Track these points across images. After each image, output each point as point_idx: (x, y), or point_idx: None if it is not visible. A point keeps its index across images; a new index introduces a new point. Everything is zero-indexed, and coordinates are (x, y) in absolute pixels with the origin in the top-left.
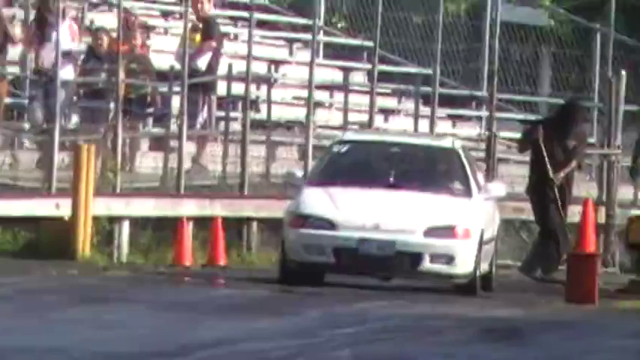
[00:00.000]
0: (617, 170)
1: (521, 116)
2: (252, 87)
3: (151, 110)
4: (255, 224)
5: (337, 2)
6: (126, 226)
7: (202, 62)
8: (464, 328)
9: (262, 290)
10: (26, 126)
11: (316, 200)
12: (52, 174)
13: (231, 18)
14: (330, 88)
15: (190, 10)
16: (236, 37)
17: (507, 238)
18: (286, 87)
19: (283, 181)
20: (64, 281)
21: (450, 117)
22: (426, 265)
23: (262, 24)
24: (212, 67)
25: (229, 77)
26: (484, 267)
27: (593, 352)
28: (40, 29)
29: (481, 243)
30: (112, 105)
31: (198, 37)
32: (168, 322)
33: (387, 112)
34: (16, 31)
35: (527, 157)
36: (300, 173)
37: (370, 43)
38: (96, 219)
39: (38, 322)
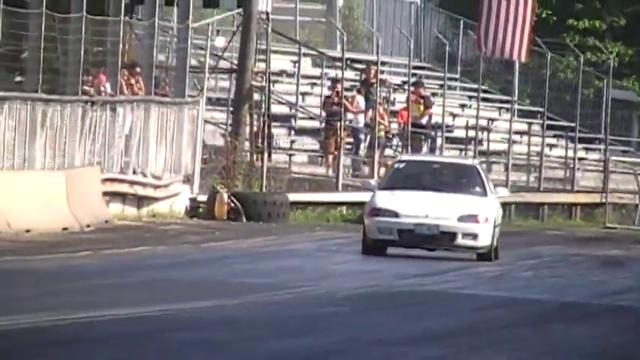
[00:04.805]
0: None
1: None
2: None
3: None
4: None
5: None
6: None
7: (425, 120)
8: (591, 260)
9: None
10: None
11: (385, 199)
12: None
13: (470, 98)
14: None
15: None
16: (470, 106)
17: None
18: (498, 132)
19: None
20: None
21: (585, 149)
22: (460, 240)
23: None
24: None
25: (466, 127)
26: (495, 243)
27: None
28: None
29: (494, 226)
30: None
31: (422, 107)
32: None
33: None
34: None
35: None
36: (373, 182)
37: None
38: None
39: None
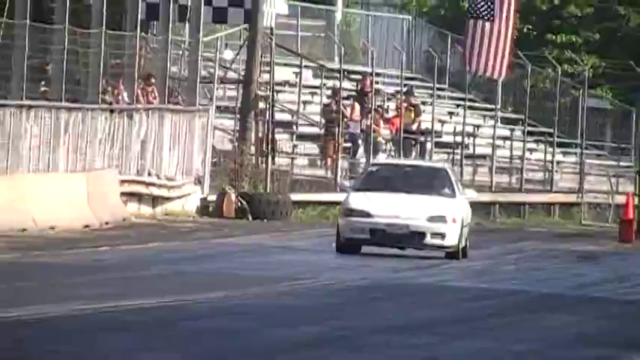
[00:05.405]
0: None
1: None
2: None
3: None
4: None
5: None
6: None
7: (415, 127)
8: (568, 255)
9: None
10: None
11: (359, 200)
12: None
13: (457, 106)
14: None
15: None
16: (457, 114)
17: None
18: (483, 138)
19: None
20: None
21: (562, 153)
22: (428, 239)
23: (471, 108)
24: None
25: (454, 133)
26: (463, 242)
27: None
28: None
29: (462, 226)
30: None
31: (412, 114)
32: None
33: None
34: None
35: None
36: (348, 183)
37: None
38: None
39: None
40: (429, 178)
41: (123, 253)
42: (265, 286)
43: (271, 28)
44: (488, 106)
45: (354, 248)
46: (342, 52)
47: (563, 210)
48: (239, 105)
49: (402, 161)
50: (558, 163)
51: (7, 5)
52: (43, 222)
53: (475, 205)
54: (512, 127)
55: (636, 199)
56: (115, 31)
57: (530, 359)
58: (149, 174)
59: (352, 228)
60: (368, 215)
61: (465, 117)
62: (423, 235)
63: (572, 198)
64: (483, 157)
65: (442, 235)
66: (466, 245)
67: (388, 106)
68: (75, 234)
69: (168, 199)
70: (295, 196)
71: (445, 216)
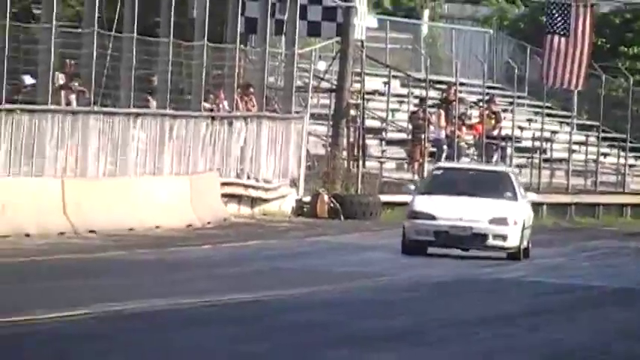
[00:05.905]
0: None
1: None
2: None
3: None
4: None
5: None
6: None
7: (496, 133)
8: (638, 254)
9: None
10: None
11: (423, 203)
12: None
13: (535, 113)
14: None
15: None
16: (536, 120)
17: None
18: (559, 143)
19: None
20: None
21: (634, 157)
22: (490, 241)
23: (548, 115)
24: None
25: (533, 138)
26: (525, 243)
27: None
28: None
29: (523, 228)
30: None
31: (493, 121)
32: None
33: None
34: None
35: None
36: (412, 186)
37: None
38: None
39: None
40: (491, 181)
41: (224, 251)
42: (356, 282)
43: (362, 41)
44: (565, 113)
45: (419, 250)
46: (428, 63)
47: (634, 210)
48: (332, 112)
49: (466, 165)
50: (631, 166)
51: (116, 20)
52: (149, 222)
53: (552, 206)
54: (587, 132)
55: None
56: (216, 43)
57: (603, 350)
58: (248, 177)
59: (417, 230)
60: (432, 218)
61: (543, 123)
62: (485, 236)
63: None
64: (560, 161)
65: (504, 237)
66: (528, 246)
67: (471, 114)
68: (179, 233)
69: (265, 200)
70: (384, 198)
71: (507, 218)
